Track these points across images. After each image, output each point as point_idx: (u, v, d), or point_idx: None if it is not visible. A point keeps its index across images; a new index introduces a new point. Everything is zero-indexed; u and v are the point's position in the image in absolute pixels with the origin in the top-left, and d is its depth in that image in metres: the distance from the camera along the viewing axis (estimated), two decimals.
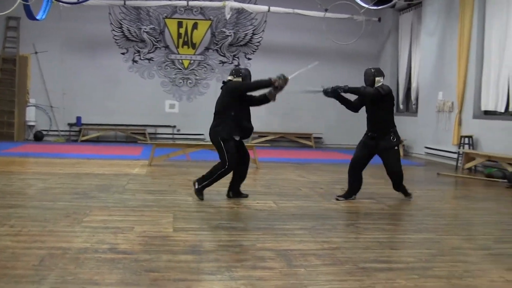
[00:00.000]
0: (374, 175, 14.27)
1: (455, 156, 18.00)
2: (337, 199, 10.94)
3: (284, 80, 10.09)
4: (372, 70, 11.25)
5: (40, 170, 14.13)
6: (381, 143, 10.94)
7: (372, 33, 24.35)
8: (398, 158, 11.06)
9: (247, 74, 10.78)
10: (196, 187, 10.25)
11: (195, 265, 6.22)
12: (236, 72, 10.73)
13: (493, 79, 17.04)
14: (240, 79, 10.55)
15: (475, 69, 17.82)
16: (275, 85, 10.39)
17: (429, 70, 20.89)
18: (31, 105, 23.83)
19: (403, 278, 5.99)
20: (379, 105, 10.98)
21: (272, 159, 18.09)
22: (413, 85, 22.45)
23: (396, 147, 11.01)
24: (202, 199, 10.20)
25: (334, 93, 11.24)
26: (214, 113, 10.61)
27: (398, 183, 11.16)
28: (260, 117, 24.55)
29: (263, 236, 7.61)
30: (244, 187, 11.41)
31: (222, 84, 10.84)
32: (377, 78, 11.09)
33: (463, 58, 18.19)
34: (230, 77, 10.63)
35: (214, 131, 10.35)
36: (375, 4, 20.91)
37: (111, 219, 8.55)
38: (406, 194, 11.29)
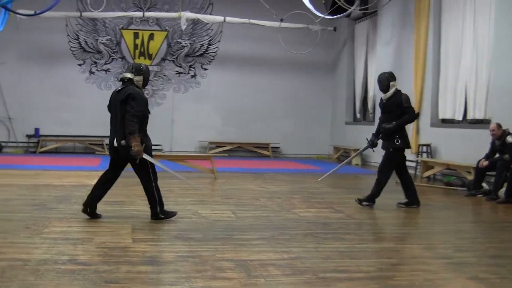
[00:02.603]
0: (333, 184, 14.37)
1: (414, 164, 18.12)
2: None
3: (137, 152, 8.84)
4: (387, 75, 11.55)
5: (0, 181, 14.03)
6: (385, 143, 11.50)
7: (328, 42, 24.55)
8: (386, 163, 11.57)
9: (147, 72, 9.59)
10: (162, 216, 9.46)
11: (154, 276, 6.23)
12: (136, 69, 9.38)
13: (450, 87, 17.25)
14: (141, 77, 9.37)
15: (431, 78, 17.98)
16: (131, 147, 8.86)
17: None
18: None
19: (363, 287, 6.06)
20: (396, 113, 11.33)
21: (229, 169, 18.09)
22: (370, 94, 22.62)
23: (391, 149, 11.40)
24: (175, 213, 9.69)
25: (387, 135, 11.45)
26: (120, 125, 9.12)
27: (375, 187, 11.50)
28: (217, 127, 24.68)
29: (222, 247, 7.63)
30: (202, 197, 11.46)
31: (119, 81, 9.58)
32: (391, 83, 11.44)
33: (419, 67, 18.38)
34: (129, 75, 9.29)
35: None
36: (330, 14, 21.06)
37: (71, 230, 8.52)
38: (367, 199, 11.47)
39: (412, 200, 11.63)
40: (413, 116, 11.63)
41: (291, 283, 6.14)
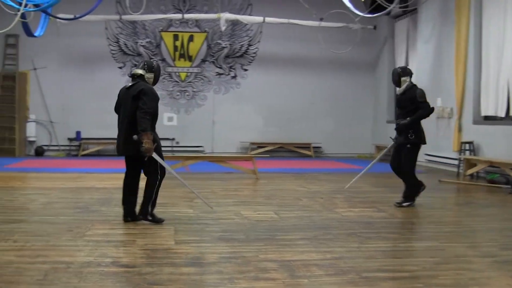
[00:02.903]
0: (376, 183, 14.28)
1: (456, 162, 17.95)
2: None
3: (147, 149, 8.74)
4: (398, 70, 11.56)
5: (42, 185, 14.12)
6: (399, 139, 11.44)
7: (368, 41, 24.41)
8: (408, 159, 11.39)
9: (159, 70, 9.52)
10: (150, 218, 9.19)
11: (197, 277, 6.22)
12: (148, 67, 9.34)
13: (492, 83, 17.02)
14: (152, 75, 9.33)
15: (473, 74, 17.78)
16: (142, 143, 8.78)
17: (427, 76, 20.82)
18: (31, 121, 23.84)
19: (407, 287, 5.99)
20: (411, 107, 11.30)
21: (271, 169, 18.05)
22: None
23: (409, 145, 11.27)
24: (163, 220, 9.29)
25: (402, 130, 11.40)
26: (130, 119, 9.03)
27: (405, 183, 11.47)
28: (258, 128, 24.66)
29: (265, 247, 7.61)
30: (244, 198, 11.46)
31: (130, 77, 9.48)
32: (402, 78, 11.44)
33: (460, 64, 18.18)
34: (140, 71, 9.26)
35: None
36: (370, 12, 20.91)
37: (113, 232, 8.56)
38: (406, 199, 11.35)
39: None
40: (428, 111, 11.40)
41: (335, 283, 6.09)
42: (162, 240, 7.95)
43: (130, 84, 9.21)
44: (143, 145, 8.74)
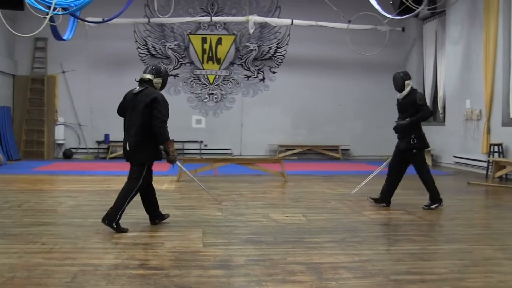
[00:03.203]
0: (403, 185, 14.19)
1: (485, 164, 17.84)
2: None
3: (174, 158, 9.04)
4: (401, 74, 11.57)
5: (70, 187, 14.23)
6: (401, 144, 11.49)
7: (396, 43, 24.28)
8: (419, 164, 11.42)
9: (166, 75, 9.52)
10: (114, 226, 8.75)
11: (225, 279, 6.22)
12: (157, 72, 9.27)
13: None
14: (160, 80, 9.25)
15: (502, 76, 17.65)
16: (167, 151, 9.01)
17: (456, 78, 20.74)
18: (60, 124, 24.01)
19: None
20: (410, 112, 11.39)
21: (299, 172, 18.04)
22: (440, 94, 22.26)
23: (414, 150, 11.31)
24: (126, 229, 8.86)
25: (402, 132, 11.56)
26: (139, 125, 8.93)
27: (427, 188, 11.40)
28: (286, 130, 24.64)
29: (293, 250, 7.60)
30: (272, 201, 11.46)
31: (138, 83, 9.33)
32: (406, 82, 11.48)
33: (489, 66, 18.06)
34: (149, 76, 9.19)
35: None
36: (398, 14, 20.81)
37: (141, 235, 8.60)
38: (433, 201, 11.33)
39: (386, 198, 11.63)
40: (428, 113, 11.59)
41: (363, 286, 6.06)
42: (190, 243, 7.95)
43: (138, 89, 9.14)
44: (170, 154, 8.94)
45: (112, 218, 8.73)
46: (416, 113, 11.26)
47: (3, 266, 6.58)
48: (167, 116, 8.94)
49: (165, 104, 8.96)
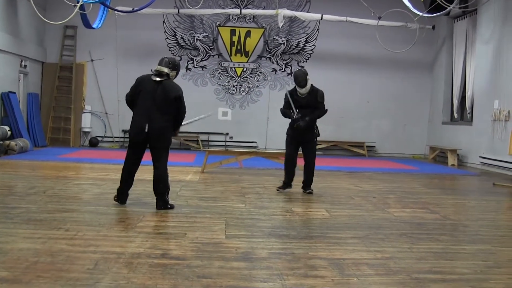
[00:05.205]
0: (428, 184, 14.15)
1: None
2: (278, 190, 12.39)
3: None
4: (304, 70, 12.68)
5: (95, 175, 14.29)
6: (307, 135, 12.45)
7: (426, 41, 24.13)
8: (316, 151, 12.66)
9: (179, 66, 10.32)
10: (169, 206, 9.81)
11: (247, 272, 6.22)
12: (173, 65, 10.03)
13: None
14: (175, 72, 10.06)
15: None
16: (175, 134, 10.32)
17: (485, 78, 20.58)
18: (86, 112, 24.17)
19: None
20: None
21: (324, 167, 17.96)
22: (468, 93, 22.08)
23: (315, 139, 12.68)
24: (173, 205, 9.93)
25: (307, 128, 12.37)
26: (163, 112, 9.74)
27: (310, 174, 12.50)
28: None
29: (315, 245, 7.58)
30: (296, 195, 11.45)
31: (155, 73, 10.06)
32: (307, 77, 12.39)
33: None
34: (166, 70, 9.91)
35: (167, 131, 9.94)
36: (429, 12, 20.68)
37: (164, 225, 8.63)
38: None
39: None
40: (324, 112, 12.75)
41: (384, 283, 6.04)
42: (213, 234, 7.95)
43: (158, 78, 9.89)
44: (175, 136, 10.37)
45: (165, 203, 9.74)
46: (314, 109, 12.33)
47: (28, 251, 6.62)
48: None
49: (184, 101, 10.04)
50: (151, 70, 10.12)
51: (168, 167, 9.90)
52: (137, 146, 9.87)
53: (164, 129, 9.73)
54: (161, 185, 9.74)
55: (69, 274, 5.84)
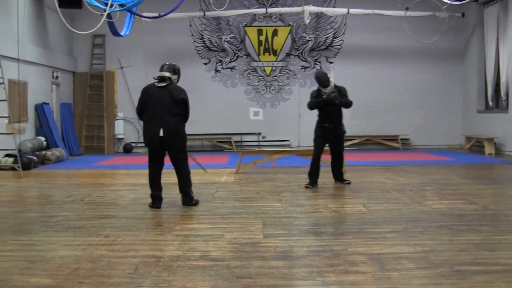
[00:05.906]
0: (466, 175, 14.03)
1: None
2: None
3: None
4: (324, 70, 13.19)
5: (131, 181, 14.36)
6: (336, 130, 13.05)
7: (456, 29, 23.94)
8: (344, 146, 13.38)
9: (180, 71, 10.74)
10: (194, 202, 10.38)
11: (286, 270, 6.19)
12: (173, 69, 10.52)
13: None
14: (176, 76, 10.53)
15: None
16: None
17: None
18: (119, 119, 24.28)
19: (502, 281, 5.80)
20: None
21: (359, 162, 17.91)
22: (502, 80, 21.75)
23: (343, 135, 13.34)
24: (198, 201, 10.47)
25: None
26: (173, 114, 10.21)
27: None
28: (345, 121, 24.48)
29: (354, 240, 7.53)
30: (332, 191, 11.41)
31: (158, 80, 10.57)
32: (330, 78, 12.67)
33: None
34: (168, 74, 10.40)
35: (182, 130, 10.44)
36: None
37: (201, 227, 8.64)
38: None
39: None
40: (351, 103, 13.60)
41: (426, 277, 5.97)
42: (251, 234, 7.94)
43: (161, 84, 10.34)
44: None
45: (191, 199, 10.30)
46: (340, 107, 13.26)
47: (69, 258, 6.68)
48: None
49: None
50: (154, 78, 10.60)
51: (189, 166, 10.50)
52: (154, 150, 10.32)
53: (178, 128, 10.18)
54: (184, 183, 10.34)
55: (110, 279, 5.88)
